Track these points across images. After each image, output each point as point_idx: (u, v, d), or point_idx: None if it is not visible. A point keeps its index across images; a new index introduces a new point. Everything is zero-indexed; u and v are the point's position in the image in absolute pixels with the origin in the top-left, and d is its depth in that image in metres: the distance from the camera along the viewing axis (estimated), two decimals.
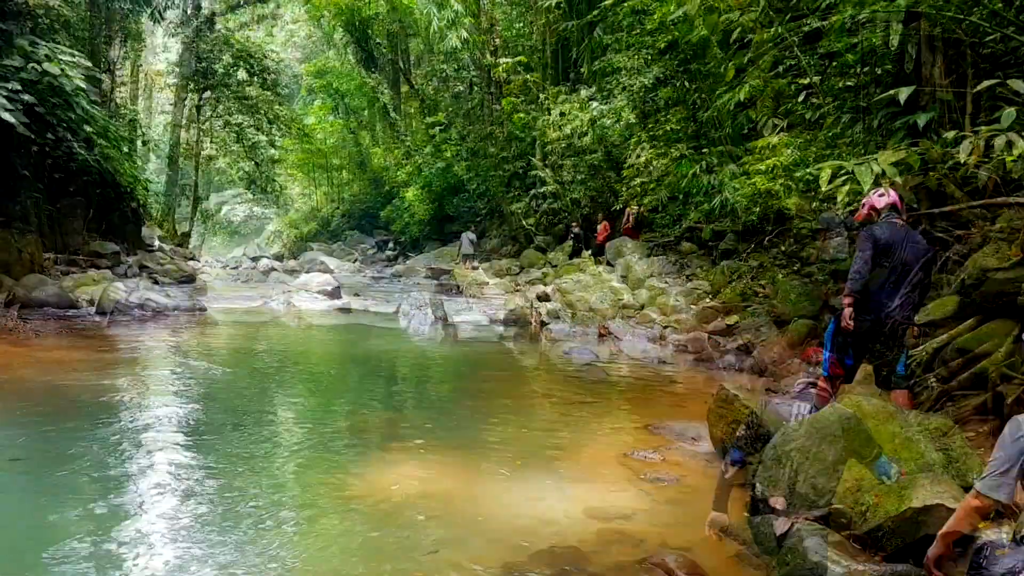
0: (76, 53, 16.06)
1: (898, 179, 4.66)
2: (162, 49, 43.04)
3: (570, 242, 23.73)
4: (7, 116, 13.36)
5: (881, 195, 5.29)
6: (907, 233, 5.32)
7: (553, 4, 12.00)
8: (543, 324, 14.29)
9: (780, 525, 4.24)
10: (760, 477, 4.90)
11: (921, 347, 6.88)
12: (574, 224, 24.53)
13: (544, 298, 15.40)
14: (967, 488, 4.35)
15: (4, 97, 13.47)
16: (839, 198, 5.08)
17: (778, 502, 4.26)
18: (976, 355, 6.07)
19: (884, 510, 4.15)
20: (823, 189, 4.75)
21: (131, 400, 7.70)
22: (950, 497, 4.08)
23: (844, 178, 4.71)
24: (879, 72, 10.58)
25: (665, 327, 12.87)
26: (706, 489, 5.43)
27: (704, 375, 9.86)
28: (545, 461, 5.95)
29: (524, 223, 27.65)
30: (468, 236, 25.30)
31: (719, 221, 16.91)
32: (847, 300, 5.46)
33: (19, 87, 13.93)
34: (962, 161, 4.46)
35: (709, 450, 6.20)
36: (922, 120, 8.22)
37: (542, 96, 25.93)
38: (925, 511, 4.05)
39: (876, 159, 4.55)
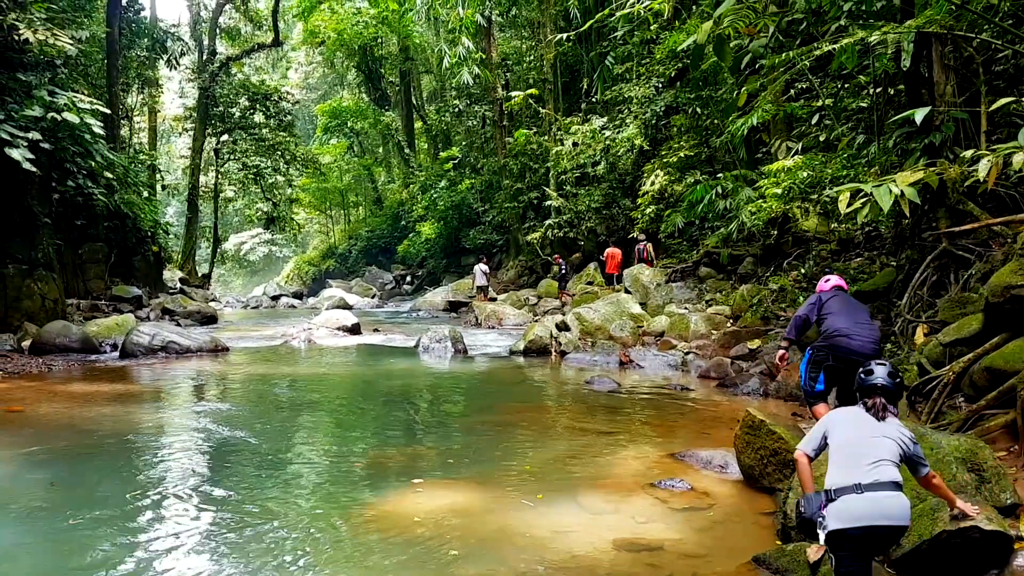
0: (95, 101, 16.35)
1: (916, 199, 4.65)
2: (179, 94, 43.73)
3: (555, 271, 23.88)
4: (27, 164, 13.62)
5: (827, 280, 6.66)
6: (847, 297, 6.45)
7: (564, 37, 12.18)
8: (563, 353, 14.27)
9: (813, 553, 4.18)
10: (790, 504, 4.84)
11: (947, 367, 6.82)
12: (555, 256, 24.66)
13: (563, 327, 15.37)
14: (1001, 508, 4.29)
15: (25, 147, 13.75)
16: (858, 219, 5.07)
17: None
18: (1003, 373, 6.00)
19: (917, 533, 4.09)
20: (843, 212, 4.74)
21: (158, 438, 7.82)
22: (983, 518, 4.02)
23: (863, 200, 4.70)
24: (892, 92, 10.60)
25: (687, 353, 12.81)
26: (736, 518, 5.37)
27: (728, 401, 9.79)
28: (570, 492, 5.92)
29: (540, 253, 27.72)
30: (481, 268, 25.37)
31: (737, 245, 16.90)
32: (783, 343, 6.71)
33: (39, 136, 14.21)
34: (981, 179, 4.45)
35: (738, 478, 6.14)
36: (938, 139, 8.22)
37: (554, 127, 26.14)
38: (959, 534, 3.99)
39: (895, 180, 4.54)
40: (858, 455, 3.58)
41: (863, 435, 3.66)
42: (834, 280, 6.68)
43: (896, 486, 3.50)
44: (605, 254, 21.83)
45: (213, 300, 33.97)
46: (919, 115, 5.35)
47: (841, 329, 6.03)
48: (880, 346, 6.20)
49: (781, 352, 6.74)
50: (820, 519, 3.55)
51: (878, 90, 10.55)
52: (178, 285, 30.85)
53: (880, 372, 3.77)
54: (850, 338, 5.96)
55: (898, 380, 3.78)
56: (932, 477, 3.84)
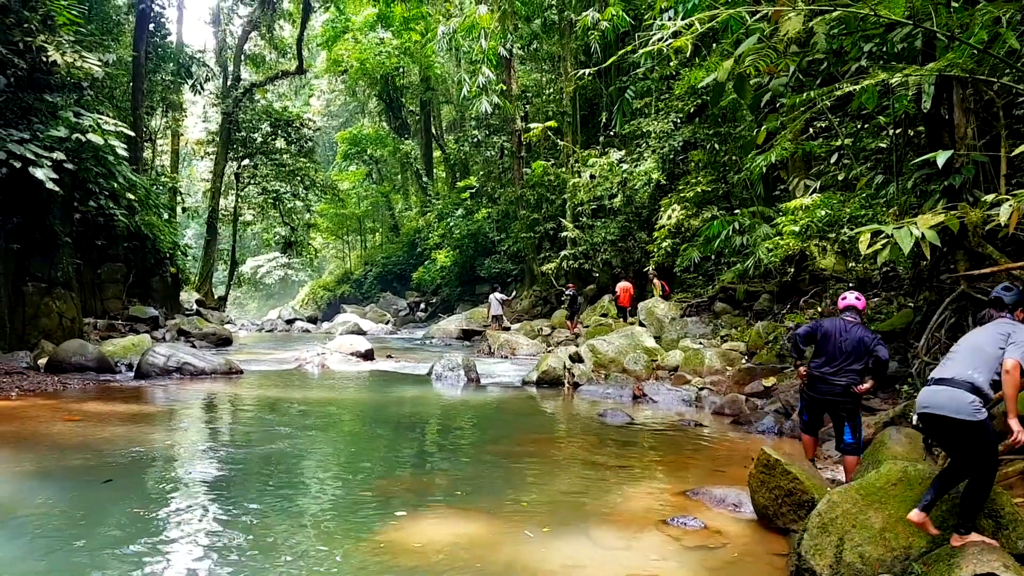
0: (119, 123, 16.62)
1: (936, 241, 4.65)
2: (203, 118, 44.33)
3: (565, 303, 23.86)
4: (50, 184, 13.82)
5: (843, 299, 6.96)
6: (849, 328, 6.66)
7: (584, 72, 12.35)
8: (576, 385, 14.22)
9: None
10: (805, 546, 4.79)
11: None
12: (569, 285, 24.63)
13: (576, 359, 15.34)
14: (1017, 555, 4.23)
15: (49, 167, 13.96)
16: (878, 260, 5.07)
17: None
18: (1020, 419, 5.93)
19: None
20: (863, 252, 4.74)
21: (169, 459, 7.84)
22: (1000, 565, 3.96)
23: (883, 241, 4.70)
24: (911, 134, 10.61)
25: (701, 389, 12.73)
26: (749, 558, 5.31)
27: (742, 439, 9.71)
28: (581, 526, 5.87)
29: (555, 283, 27.76)
30: (496, 297, 25.40)
31: (753, 281, 16.87)
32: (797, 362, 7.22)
33: (63, 157, 14.43)
34: (1002, 223, 4.45)
35: (751, 517, 6.08)
36: (958, 182, 8.21)
37: (572, 159, 26.30)
38: None
39: (916, 223, 4.55)
40: None
41: None
42: (850, 299, 6.96)
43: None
44: (617, 288, 21.85)
45: (228, 322, 34.15)
46: (941, 158, 5.36)
47: (820, 369, 6.70)
48: (852, 386, 6.52)
49: (801, 369, 7.09)
50: None
51: (898, 131, 10.58)
52: (194, 307, 31.06)
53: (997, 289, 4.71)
54: (823, 381, 6.66)
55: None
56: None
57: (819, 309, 13.39)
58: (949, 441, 4.52)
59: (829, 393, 6.59)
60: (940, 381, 4.49)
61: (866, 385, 6.57)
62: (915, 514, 4.41)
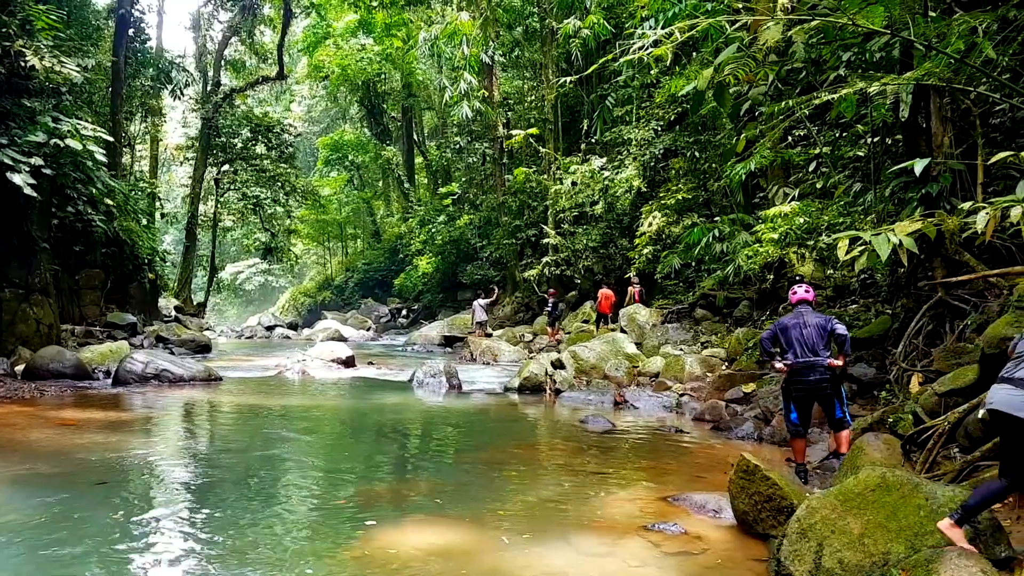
0: (98, 128, 16.46)
1: (914, 248, 4.70)
2: (182, 124, 44.06)
3: (547, 311, 23.85)
4: (28, 190, 13.68)
5: (794, 293, 7.57)
6: (806, 317, 7.30)
7: (566, 80, 12.43)
8: (558, 392, 14.23)
9: None
10: (784, 552, 4.82)
11: (942, 417, 6.83)
12: (551, 291, 24.65)
13: (558, 365, 15.35)
14: (995, 562, 4.27)
15: (27, 172, 13.81)
16: (856, 267, 5.12)
17: None
18: None
19: None
20: (842, 259, 4.79)
21: (146, 467, 7.78)
22: (978, 571, 4.00)
23: (861, 248, 4.75)
24: (889, 142, 10.73)
25: (681, 395, 12.78)
26: (729, 564, 5.33)
27: (722, 444, 9.75)
28: (562, 533, 5.87)
29: (537, 290, 27.78)
30: (480, 303, 25.38)
31: (733, 288, 16.96)
32: (770, 360, 7.82)
33: (41, 162, 14.29)
34: (979, 231, 4.50)
35: (731, 523, 6.10)
36: (935, 190, 8.31)
37: (554, 166, 26.35)
38: None
39: (893, 230, 4.59)
40: None
41: None
42: (800, 292, 7.55)
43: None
44: (599, 294, 21.92)
45: (207, 329, 33.89)
46: (919, 166, 5.42)
47: (796, 364, 7.19)
48: (827, 365, 7.12)
49: (779, 365, 7.48)
50: None
51: (876, 139, 10.69)
52: (173, 313, 30.79)
53: None
54: (806, 370, 7.16)
55: None
56: None
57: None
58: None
59: (815, 378, 7.11)
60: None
61: (838, 361, 7.17)
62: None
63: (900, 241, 4.58)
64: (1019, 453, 4.38)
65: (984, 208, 4.59)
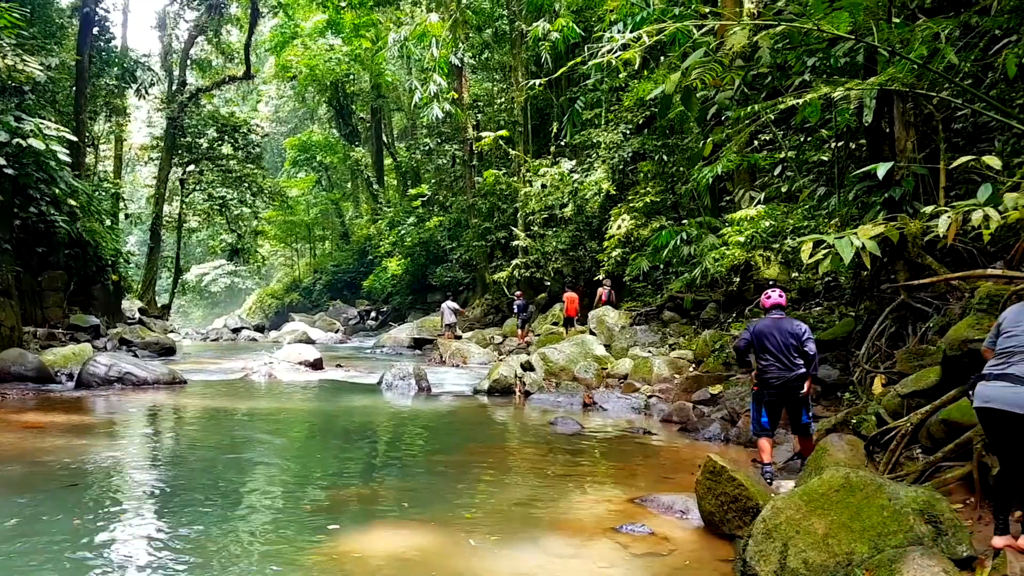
0: (61, 128, 16.20)
1: (876, 252, 4.77)
2: (147, 123, 43.44)
3: (516, 312, 23.88)
4: None
5: (768, 298, 7.60)
6: (780, 324, 7.32)
7: (535, 83, 12.45)
8: (527, 394, 14.23)
9: None
10: (750, 552, 4.85)
11: (905, 418, 6.93)
12: (518, 293, 24.70)
13: (528, 367, 15.36)
14: (957, 561, 4.34)
15: None
16: (820, 270, 5.18)
17: None
18: (960, 426, 6.10)
19: None
20: (806, 262, 4.84)
21: (110, 471, 7.66)
22: (940, 571, 4.05)
23: (825, 251, 4.81)
24: (853, 147, 10.87)
25: (649, 396, 12.85)
26: (696, 564, 5.37)
27: (690, 446, 9.82)
28: (531, 535, 5.87)
29: (507, 292, 27.78)
30: (449, 305, 25.34)
31: (700, 291, 17.09)
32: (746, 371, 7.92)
33: (3, 162, 14.02)
34: (941, 235, 4.58)
35: (698, 524, 6.14)
36: (898, 194, 8.44)
37: (523, 169, 26.37)
38: None
39: (857, 233, 4.66)
40: None
41: None
42: (774, 297, 7.61)
43: None
44: (564, 297, 21.96)
45: (172, 331, 33.44)
46: (882, 170, 5.50)
47: (770, 370, 7.27)
48: (801, 370, 7.20)
49: (753, 372, 7.65)
50: None
51: (840, 144, 10.83)
52: (137, 315, 30.32)
53: None
54: (778, 377, 7.21)
55: None
56: None
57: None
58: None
59: (787, 383, 7.18)
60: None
61: (805, 388, 7.26)
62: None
63: (863, 244, 4.64)
64: (1019, 450, 4.39)
65: (946, 212, 4.67)
